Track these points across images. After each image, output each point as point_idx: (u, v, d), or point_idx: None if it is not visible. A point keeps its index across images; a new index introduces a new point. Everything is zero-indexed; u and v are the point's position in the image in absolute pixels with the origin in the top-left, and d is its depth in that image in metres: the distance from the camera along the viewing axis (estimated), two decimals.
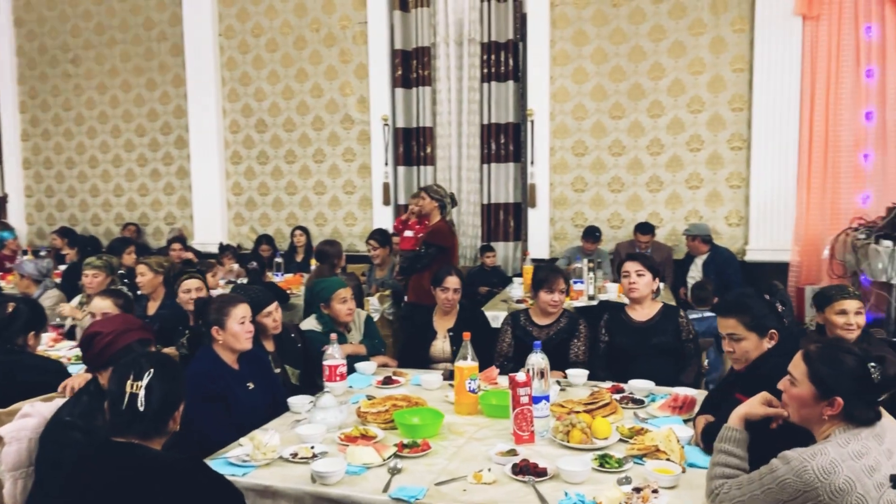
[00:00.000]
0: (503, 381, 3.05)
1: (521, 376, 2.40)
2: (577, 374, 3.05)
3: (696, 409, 2.62)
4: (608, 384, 3.02)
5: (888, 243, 4.87)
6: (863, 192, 5.94)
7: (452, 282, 3.64)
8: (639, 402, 2.78)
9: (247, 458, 2.29)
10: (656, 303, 3.43)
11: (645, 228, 6.10)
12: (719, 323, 2.38)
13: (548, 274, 3.42)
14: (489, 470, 2.13)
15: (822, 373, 1.76)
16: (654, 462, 2.14)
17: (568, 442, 2.33)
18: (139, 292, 4.44)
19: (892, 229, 5.06)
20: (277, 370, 3.11)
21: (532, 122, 6.64)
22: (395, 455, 2.30)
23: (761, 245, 6.16)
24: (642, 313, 3.38)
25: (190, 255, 6.42)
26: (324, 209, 7.58)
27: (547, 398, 2.51)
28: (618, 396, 2.81)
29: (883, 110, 5.83)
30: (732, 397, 2.26)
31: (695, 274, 5.74)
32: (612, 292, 5.13)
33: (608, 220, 6.64)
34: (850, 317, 2.96)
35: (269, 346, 3.19)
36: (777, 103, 6.00)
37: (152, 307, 4.35)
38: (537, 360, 2.50)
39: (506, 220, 6.85)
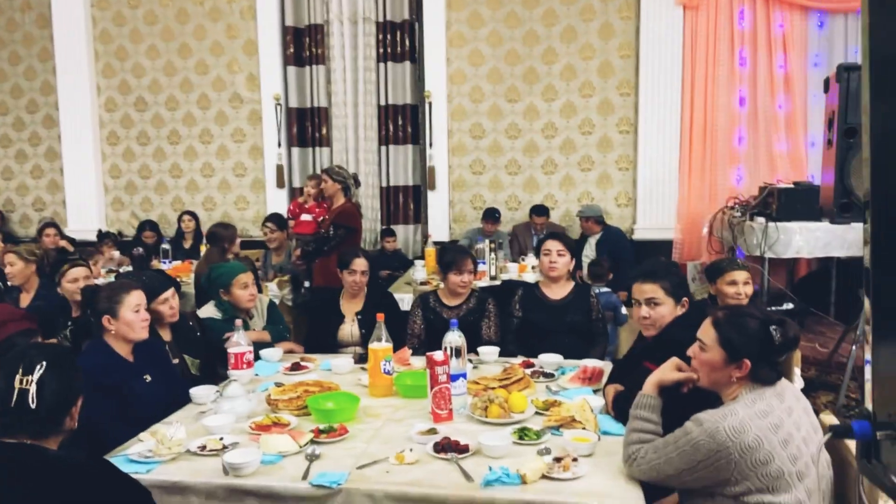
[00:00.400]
0: (416, 361, 3.04)
1: (438, 355, 2.39)
2: (489, 352, 3.08)
3: (605, 379, 2.71)
4: (519, 359, 3.07)
5: (761, 220, 5.23)
6: (736, 172, 6.36)
7: (360, 264, 3.57)
8: (549, 376, 2.84)
9: (150, 453, 2.16)
10: (569, 282, 3.49)
11: (540, 211, 6.26)
12: (637, 289, 2.45)
13: (456, 255, 3.43)
14: (411, 450, 2.11)
15: (731, 337, 1.85)
16: (571, 432, 2.18)
17: (486, 417, 2.34)
18: (9, 283, 4.09)
19: (765, 207, 5.44)
20: (175, 361, 2.95)
21: (429, 103, 6.62)
22: (312, 441, 2.23)
23: (647, 224, 6.45)
24: (557, 292, 3.42)
25: (65, 244, 5.96)
26: (213, 192, 7.24)
27: (464, 376, 2.51)
28: (528, 371, 2.85)
29: (754, 94, 6.25)
30: (641, 366, 2.35)
31: (588, 253, 5.92)
32: (513, 272, 5.23)
33: (506, 202, 6.73)
34: (740, 287, 3.16)
35: (166, 335, 3.02)
36: (661, 89, 6.28)
37: (25, 299, 4.05)
38: (454, 338, 2.50)
39: (405, 203, 6.80)
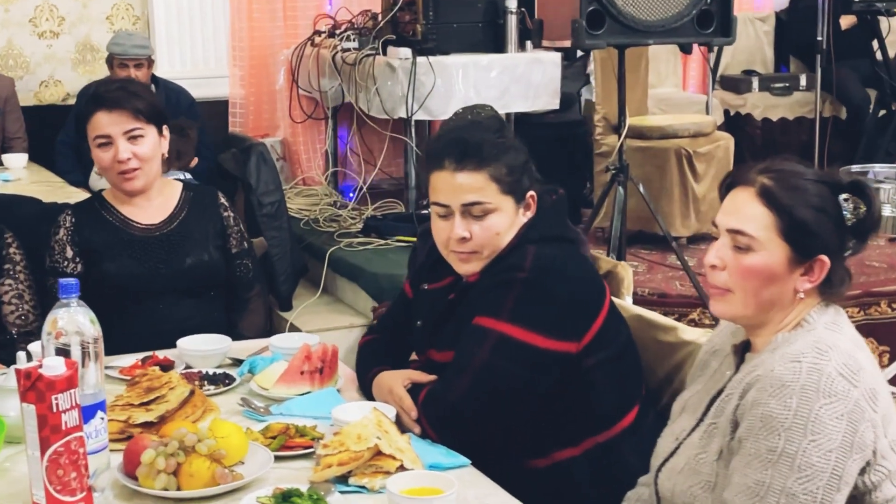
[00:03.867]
0: None
1: (55, 366, 1.99)
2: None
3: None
4: (125, 358, 2.91)
5: (404, 52, 5.47)
6: None
7: None
8: (222, 380, 2.74)
9: None
10: (169, 183, 3.44)
11: None
12: (442, 187, 2.42)
13: None
14: None
15: (804, 219, 1.93)
16: (397, 479, 2.06)
17: (185, 489, 2.10)
18: None
19: (398, 29, 5.70)
20: None
21: None
22: None
23: (177, 70, 6.54)
24: (149, 210, 3.34)
25: None
26: None
27: (103, 406, 2.13)
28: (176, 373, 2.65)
29: None
30: (473, 325, 2.35)
31: None
32: None
33: None
34: None
35: None
36: None
37: None
38: (79, 320, 2.12)
39: None
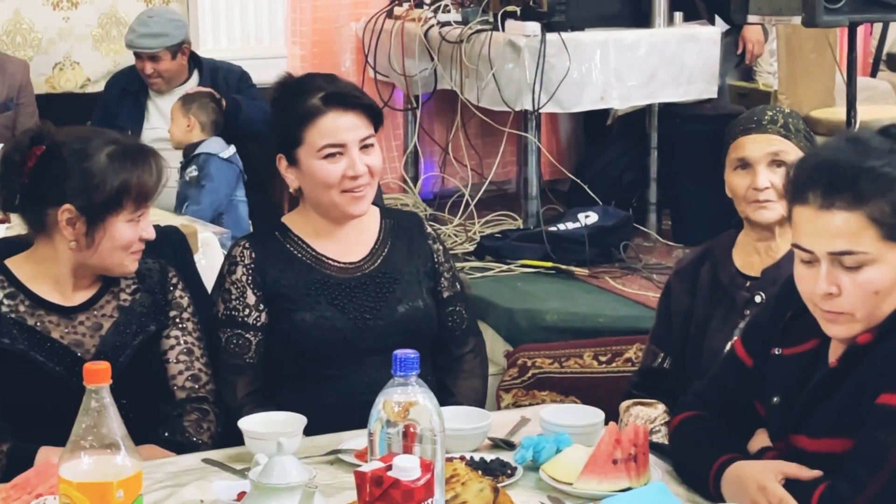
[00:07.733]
0: None
1: (409, 468, 1.98)
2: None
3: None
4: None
5: (532, 27, 5.44)
6: None
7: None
8: (502, 469, 2.66)
9: None
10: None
11: None
12: (806, 231, 2.36)
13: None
14: None
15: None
16: None
17: None
18: None
19: None
20: None
21: None
22: None
23: (223, 49, 6.95)
24: (344, 242, 3.35)
25: None
26: None
27: None
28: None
29: None
30: (870, 403, 2.27)
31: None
32: None
33: None
34: (760, 176, 3.24)
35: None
36: None
37: None
38: (428, 406, 2.10)
39: None
